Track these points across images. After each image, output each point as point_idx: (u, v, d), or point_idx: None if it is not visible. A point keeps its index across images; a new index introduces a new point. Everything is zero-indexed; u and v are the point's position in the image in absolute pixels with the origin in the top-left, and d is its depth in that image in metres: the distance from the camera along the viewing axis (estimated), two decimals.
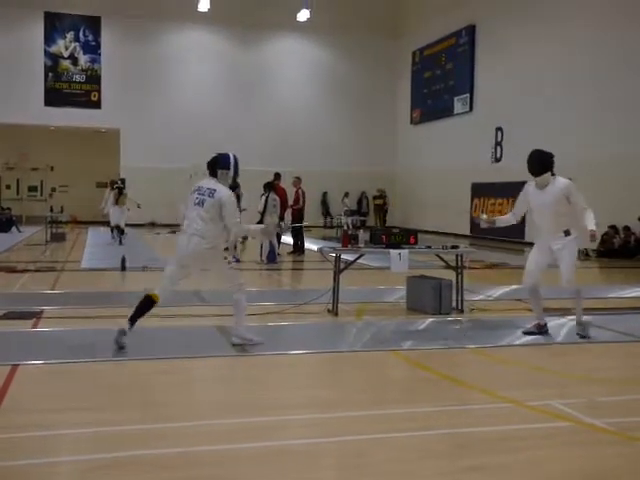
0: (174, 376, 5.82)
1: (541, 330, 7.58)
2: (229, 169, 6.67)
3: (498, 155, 24.08)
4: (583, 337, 7.36)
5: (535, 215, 7.51)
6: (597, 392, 5.43)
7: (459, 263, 9.19)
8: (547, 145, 21.56)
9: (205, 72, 29.80)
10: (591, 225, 7.18)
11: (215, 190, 6.55)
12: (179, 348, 6.76)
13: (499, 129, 23.91)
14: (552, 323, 8.31)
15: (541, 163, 7.32)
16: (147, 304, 6.48)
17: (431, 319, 8.46)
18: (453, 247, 9.37)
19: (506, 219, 7.99)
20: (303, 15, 29.48)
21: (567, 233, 7.29)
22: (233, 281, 6.79)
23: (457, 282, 9.07)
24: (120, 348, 6.32)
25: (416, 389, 5.57)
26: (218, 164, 6.71)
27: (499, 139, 24.00)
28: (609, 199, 18.09)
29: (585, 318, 7.47)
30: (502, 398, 5.19)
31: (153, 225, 27.79)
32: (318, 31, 30.35)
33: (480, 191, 25.10)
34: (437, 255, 9.36)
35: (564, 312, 8.97)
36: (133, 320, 6.38)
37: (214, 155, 6.82)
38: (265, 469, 3.89)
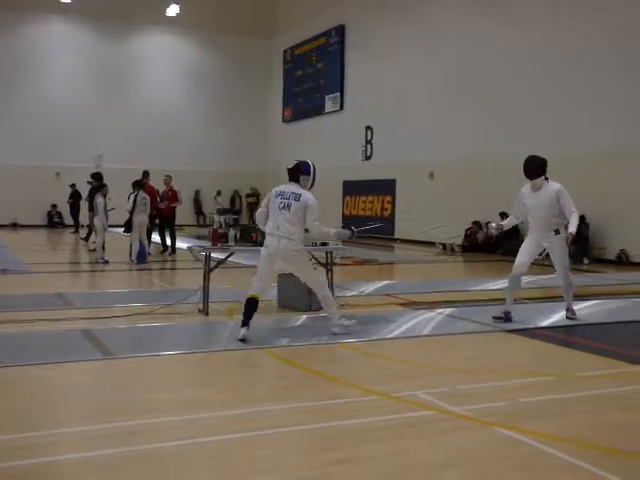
0: (36, 383, 5.54)
1: (507, 317, 8.09)
2: (309, 174, 7.20)
3: (368, 153, 24.64)
4: (572, 319, 8.28)
5: (529, 215, 8.13)
6: (459, 381, 5.65)
7: (329, 260, 9.31)
8: (416, 143, 22.17)
9: (69, 67, 28.66)
10: (571, 228, 7.83)
11: (300, 195, 7.09)
12: (41, 354, 6.44)
13: (369, 128, 24.47)
14: (421, 317, 8.61)
15: (537, 168, 7.96)
16: (251, 304, 7.11)
17: (303, 316, 8.53)
18: (323, 244, 9.47)
19: (511, 222, 8.47)
20: (172, 10, 29.02)
21: (557, 232, 7.98)
22: (317, 281, 7.43)
23: (328, 279, 9.17)
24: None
25: (286, 386, 5.59)
26: (300, 170, 7.24)
27: (369, 137, 24.56)
28: (471, 196, 18.96)
29: (573, 306, 8.41)
30: (370, 391, 5.30)
31: (15, 226, 26.46)
32: (188, 27, 29.93)
33: (351, 188, 25.61)
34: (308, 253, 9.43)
35: (431, 306, 9.32)
36: (245, 323, 7.00)
37: (296, 162, 7.34)
38: (134, 474, 3.78)
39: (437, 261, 16.74)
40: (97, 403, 5.11)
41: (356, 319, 7.67)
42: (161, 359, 6.42)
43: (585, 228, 15.95)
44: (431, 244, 19.81)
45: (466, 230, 18.87)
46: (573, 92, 16.51)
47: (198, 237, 21.50)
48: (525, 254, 8.16)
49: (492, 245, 17.40)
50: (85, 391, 5.50)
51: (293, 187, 7.19)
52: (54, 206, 28.23)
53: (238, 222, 25.80)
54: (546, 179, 8.02)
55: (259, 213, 7.45)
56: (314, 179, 7.30)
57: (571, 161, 16.15)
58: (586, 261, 15.69)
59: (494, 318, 8.15)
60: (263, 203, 7.50)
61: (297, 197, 7.07)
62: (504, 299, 8.26)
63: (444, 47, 20.73)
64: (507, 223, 8.48)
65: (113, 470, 3.84)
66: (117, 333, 7.46)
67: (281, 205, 7.10)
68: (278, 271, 8.27)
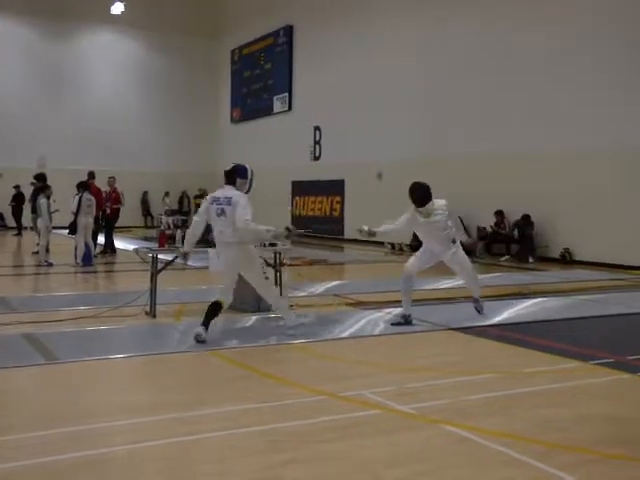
0: None
1: (407, 320, 8.03)
2: (246, 178, 7.22)
3: (317, 154, 24.69)
4: (479, 312, 8.55)
5: (422, 235, 8.25)
6: (406, 380, 5.71)
7: (278, 260, 9.30)
8: (364, 144, 22.32)
9: (10, 65, 27.93)
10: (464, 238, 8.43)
11: (231, 197, 7.02)
12: None
13: (317, 128, 24.52)
14: (370, 317, 8.66)
15: (424, 195, 7.92)
16: (215, 308, 7.13)
17: (253, 317, 8.50)
18: (271, 245, 9.45)
19: (387, 230, 8.26)
20: (117, 8, 28.57)
21: (453, 241, 8.12)
22: (267, 290, 7.48)
23: (277, 279, 9.17)
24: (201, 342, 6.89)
25: (233, 388, 5.57)
26: (237, 173, 7.23)
27: (317, 138, 24.61)
28: None
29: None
30: (317, 391, 5.32)
31: None
32: (134, 26, 29.53)
33: (300, 189, 25.63)
34: None
35: (379, 306, 9.39)
36: (205, 323, 6.99)
37: (233, 164, 7.35)
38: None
39: (386, 261, 16.87)
40: (40, 408, 5.02)
41: (310, 317, 7.74)
42: (108, 363, 6.34)
43: (529, 227, 16.33)
44: (380, 244, 19.94)
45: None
46: (527, 92, 16.78)
47: (146, 239, 21.27)
48: (418, 260, 8.20)
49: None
50: (28, 397, 5.40)
51: (227, 191, 7.14)
52: None
53: (186, 223, 25.65)
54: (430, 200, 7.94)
55: (195, 223, 7.33)
56: (251, 183, 7.29)
57: (521, 159, 16.50)
58: (531, 260, 16.02)
59: (392, 324, 8.06)
60: (199, 211, 7.38)
61: (229, 201, 7.02)
62: (449, 298, 8.38)
63: (390, 47, 20.90)
64: (382, 231, 8.22)
65: (59, 477, 3.78)
66: (62, 337, 7.33)
67: (218, 212, 7.07)
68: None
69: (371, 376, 5.87)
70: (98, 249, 16.27)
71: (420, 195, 7.90)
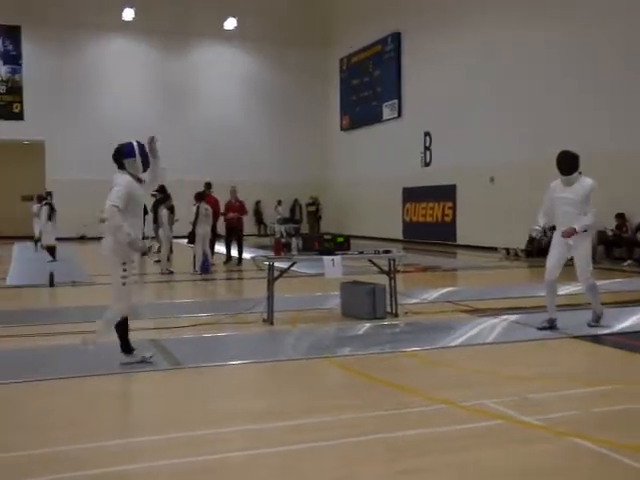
0: (102, 394, 5.68)
1: (552, 325, 7.90)
2: (135, 156, 6.29)
3: (427, 159, 24.47)
4: (594, 326, 7.97)
5: (558, 211, 7.86)
6: (528, 389, 5.53)
7: (392, 267, 9.27)
8: (475, 148, 21.91)
9: (131, 82, 29.34)
10: (580, 224, 7.58)
11: (114, 182, 6.22)
12: (109, 365, 6.58)
13: (427, 134, 24.31)
14: (486, 324, 8.48)
15: (571, 163, 7.73)
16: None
17: (366, 324, 8.49)
18: (385, 252, 9.45)
19: (544, 216, 8.11)
20: (230, 24, 29.52)
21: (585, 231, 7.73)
22: (114, 292, 6.32)
23: (390, 286, 9.14)
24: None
25: (352, 395, 5.57)
26: (123, 154, 6.33)
27: (428, 144, 24.40)
28: (534, 200, 18.59)
29: (600, 311, 8.05)
30: (436, 400, 5.24)
31: (83, 239, 27.15)
32: (245, 40, 30.32)
33: (411, 195, 25.46)
34: (370, 260, 9.43)
35: (496, 312, 9.17)
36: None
37: (116, 147, 6.44)
38: None
39: (501, 267, 16.49)
40: (164, 413, 5.19)
41: (153, 352, 6.62)
42: (227, 369, 6.49)
43: (627, 229, 15.74)
44: (494, 249, 19.53)
45: (530, 234, 18.53)
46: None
47: (260, 247, 21.72)
48: (552, 258, 7.92)
49: None
50: (153, 401, 5.59)
51: (115, 177, 6.29)
52: None
53: (299, 231, 26.06)
54: (579, 173, 7.77)
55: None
56: (145, 157, 6.33)
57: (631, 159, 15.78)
58: (628, 262, 15.39)
59: (539, 329, 7.92)
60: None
61: (112, 187, 6.19)
62: (570, 305, 8.08)
63: (500, 50, 20.45)
64: (543, 223, 8.11)
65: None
66: (184, 343, 7.58)
67: None
68: None
69: (491, 385, 5.74)
70: (222, 258, 16.61)
71: (567, 162, 7.74)
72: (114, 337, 6.43)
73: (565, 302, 9.16)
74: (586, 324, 8.03)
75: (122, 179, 6.23)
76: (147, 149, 6.46)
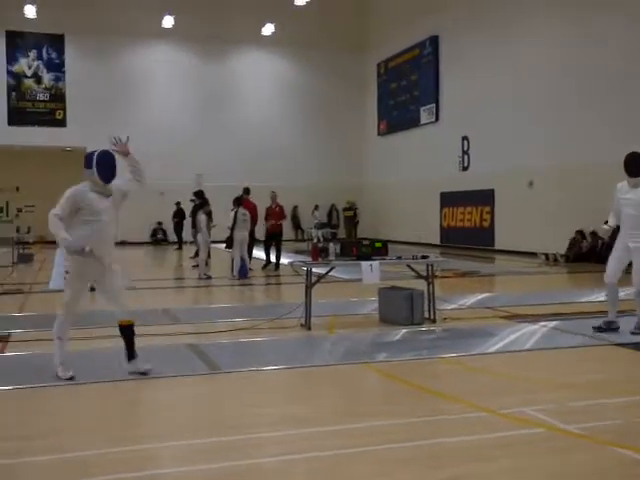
0: (141, 398, 5.75)
1: (611, 327, 7.89)
2: (91, 167, 6.18)
3: (465, 164, 24.30)
4: (636, 334, 7.79)
5: (622, 212, 7.85)
6: (569, 397, 5.47)
7: (430, 273, 9.22)
8: (513, 152, 21.68)
9: (171, 88, 29.71)
10: None
11: None
12: (155, 368, 6.65)
13: (465, 138, 24.15)
14: (525, 330, 8.39)
15: (639, 165, 7.68)
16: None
17: (404, 330, 8.46)
18: (423, 257, 9.41)
19: (614, 217, 8.11)
20: (268, 29, 29.74)
21: None
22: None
23: (428, 292, 9.10)
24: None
25: (390, 401, 5.56)
26: (84, 164, 6.27)
27: (466, 148, 24.23)
28: (576, 205, 18.36)
29: None
30: (477, 407, 5.20)
31: (123, 244, 27.52)
32: (283, 45, 30.48)
33: (449, 200, 25.30)
34: (408, 265, 9.40)
35: (535, 319, 9.06)
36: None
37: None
38: None
39: (540, 272, 16.29)
40: (200, 417, 5.23)
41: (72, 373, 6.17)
42: (264, 374, 6.51)
43: None
44: (533, 255, 19.30)
45: (570, 240, 18.30)
46: None
47: (297, 252, 21.76)
48: (613, 260, 7.91)
49: (598, 255, 16.76)
50: (190, 405, 5.63)
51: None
52: (159, 223, 29.40)
53: (336, 236, 26.07)
54: None
55: None
56: (105, 169, 6.21)
57: None
58: None
59: (594, 328, 7.96)
60: None
61: None
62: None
63: (538, 53, 20.23)
64: (612, 223, 8.11)
65: None
66: (222, 348, 7.62)
67: None
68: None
69: (531, 392, 5.66)
70: (260, 263, 16.67)
71: (636, 164, 7.68)
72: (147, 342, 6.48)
73: (604, 308, 9.00)
74: (629, 332, 7.89)
75: (72, 188, 6.26)
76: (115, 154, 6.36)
